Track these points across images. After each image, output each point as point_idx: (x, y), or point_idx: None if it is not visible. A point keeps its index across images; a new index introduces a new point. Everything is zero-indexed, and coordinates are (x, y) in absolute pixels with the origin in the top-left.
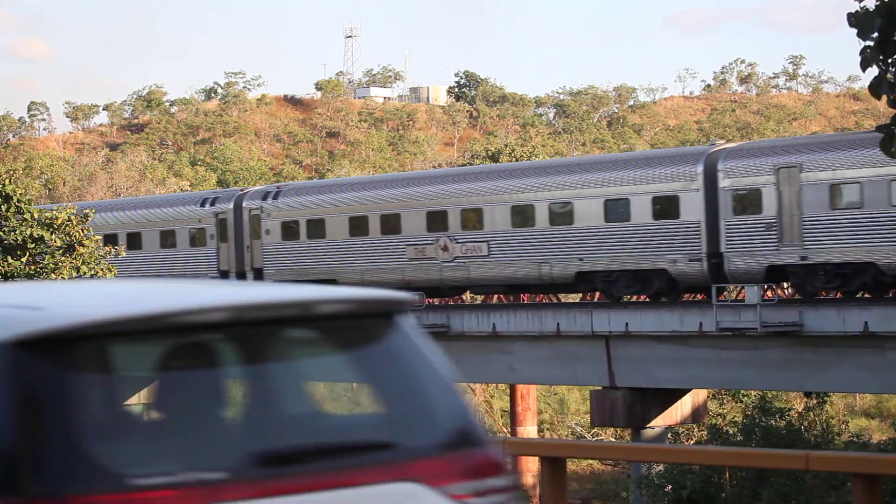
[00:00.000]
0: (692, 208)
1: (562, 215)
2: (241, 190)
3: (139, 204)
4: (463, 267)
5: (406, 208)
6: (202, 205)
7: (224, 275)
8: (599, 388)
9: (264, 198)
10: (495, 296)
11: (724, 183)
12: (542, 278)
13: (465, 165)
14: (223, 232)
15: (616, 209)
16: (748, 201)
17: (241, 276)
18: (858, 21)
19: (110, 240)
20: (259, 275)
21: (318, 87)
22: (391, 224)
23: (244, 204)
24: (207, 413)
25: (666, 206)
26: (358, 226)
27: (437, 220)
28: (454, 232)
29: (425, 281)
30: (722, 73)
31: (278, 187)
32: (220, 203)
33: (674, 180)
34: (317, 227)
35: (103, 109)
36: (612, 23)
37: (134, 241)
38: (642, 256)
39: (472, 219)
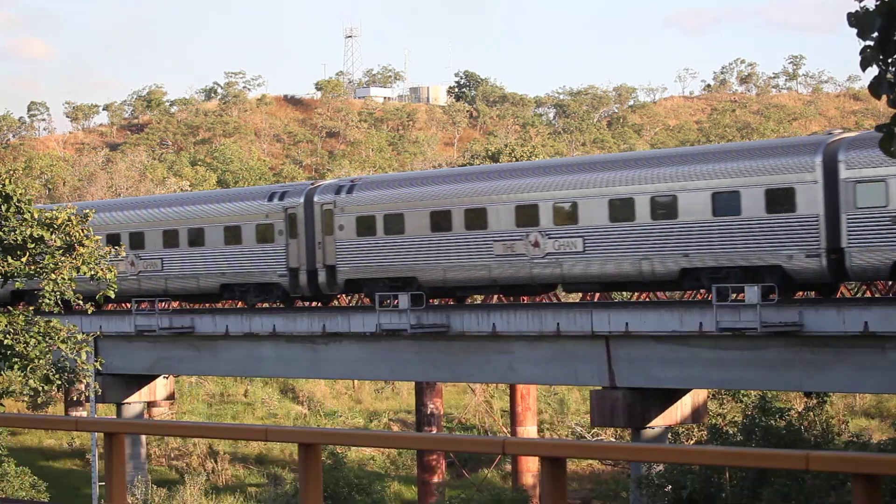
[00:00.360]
0: (810, 201)
1: (665, 209)
2: (312, 183)
3: (201, 199)
4: (555, 263)
5: (493, 203)
6: (270, 199)
7: (293, 272)
8: (599, 388)
9: (337, 192)
10: (495, 295)
11: (845, 174)
12: (643, 275)
13: (548, 160)
14: (293, 227)
15: (725, 202)
16: (872, 193)
17: (313, 273)
18: (858, 21)
19: (169, 236)
20: (332, 272)
21: (318, 87)
22: (477, 219)
23: (315, 198)
24: None
25: (781, 199)
26: (440, 221)
27: (526, 215)
28: (546, 227)
29: (513, 278)
30: (722, 73)
31: (352, 180)
32: (289, 197)
33: (789, 172)
34: (395, 223)
35: (103, 109)
36: (612, 23)
37: (196, 237)
38: (754, 252)
39: (566, 213)
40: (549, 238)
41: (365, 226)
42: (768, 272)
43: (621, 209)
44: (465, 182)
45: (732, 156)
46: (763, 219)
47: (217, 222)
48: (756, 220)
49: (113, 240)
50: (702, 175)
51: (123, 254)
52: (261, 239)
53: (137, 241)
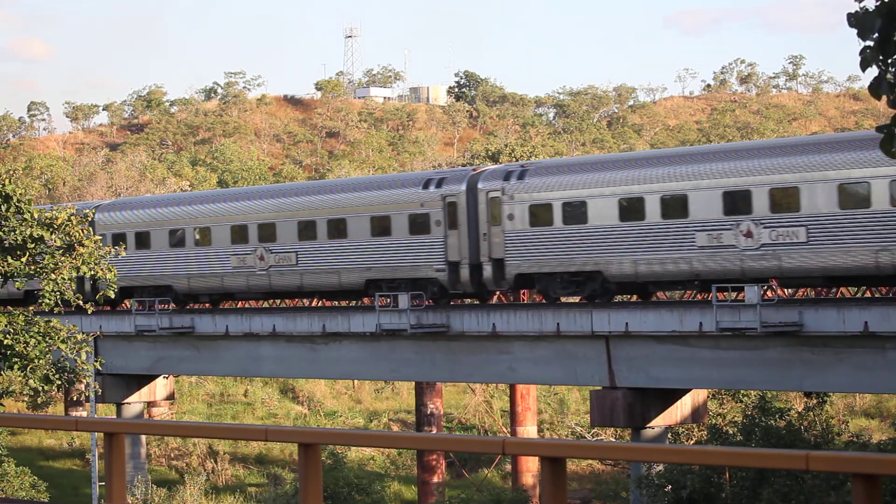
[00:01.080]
0: None
1: None
2: (474, 169)
3: (344, 186)
4: (772, 256)
5: (696, 188)
6: (425, 186)
7: (453, 266)
8: (599, 388)
9: (506, 177)
10: (495, 295)
11: None
12: (881, 269)
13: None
14: (453, 217)
15: None
16: None
17: (476, 267)
18: (858, 21)
19: (307, 226)
20: (499, 266)
21: (318, 87)
22: (676, 206)
23: (480, 185)
24: None
25: None
26: (631, 209)
27: (736, 201)
28: (760, 215)
29: (720, 272)
30: (722, 73)
31: (522, 165)
32: (448, 184)
33: None
34: (576, 211)
35: (103, 109)
36: (612, 23)
37: (337, 228)
38: None
39: (785, 199)
40: (765, 227)
41: (539, 215)
42: None
43: (854, 195)
44: (661, 166)
45: None
46: None
47: (362, 212)
48: None
49: (239, 231)
50: None
51: (124, 254)
52: (415, 230)
53: (268, 233)
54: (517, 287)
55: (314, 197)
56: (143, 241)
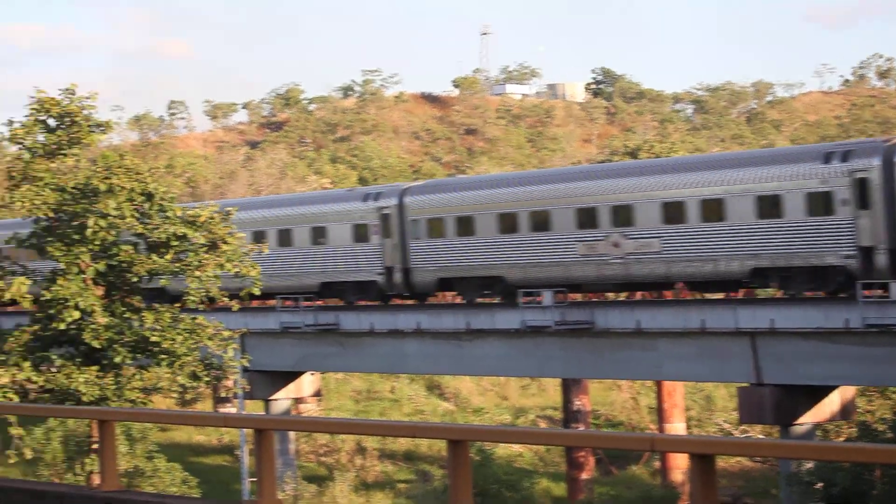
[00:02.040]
0: None
1: None
2: (885, 140)
3: (721, 163)
4: None
5: None
6: (826, 161)
7: (866, 252)
8: (746, 384)
9: None
10: (639, 292)
11: None
12: None
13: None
14: (863, 196)
15: None
16: None
17: None
18: None
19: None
20: None
21: (455, 84)
22: None
23: None
24: None
25: None
26: None
27: None
28: None
29: None
30: (860, 67)
31: None
32: (856, 158)
33: None
34: None
35: (242, 108)
36: (750, 18)
37: (712, 209)
38: None
39: None
40: None
41: None
42: None
43: None
44: None
45: None
46: None
47: (745, 192)
48: None
49: (587, 214)
50: None
51: (266, 251)
52: (814, 211)
53: (623, 216)
54: None
55: (681, 175)
56: (465, 226)
